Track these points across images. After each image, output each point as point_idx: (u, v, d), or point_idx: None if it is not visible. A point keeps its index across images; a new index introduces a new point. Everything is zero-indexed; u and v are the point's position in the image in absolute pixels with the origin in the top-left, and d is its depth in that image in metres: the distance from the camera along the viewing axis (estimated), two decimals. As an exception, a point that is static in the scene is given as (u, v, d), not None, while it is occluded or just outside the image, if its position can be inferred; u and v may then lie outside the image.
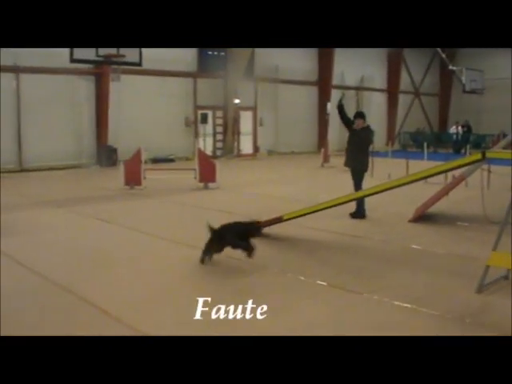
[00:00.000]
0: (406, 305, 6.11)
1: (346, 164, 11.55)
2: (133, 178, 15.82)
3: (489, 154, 7.17)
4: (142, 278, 7.30)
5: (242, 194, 15.08)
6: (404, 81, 36.85)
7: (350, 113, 11.86)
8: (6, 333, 5.09)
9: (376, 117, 32.74)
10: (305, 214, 8.97)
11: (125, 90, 23.33)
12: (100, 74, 22.86)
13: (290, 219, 9.12)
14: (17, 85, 21.14)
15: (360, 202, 11.06)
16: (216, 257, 7.83)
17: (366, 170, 11.46)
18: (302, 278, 7.15)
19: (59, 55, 17.37)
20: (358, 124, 11.36)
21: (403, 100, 37.10)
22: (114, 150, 23.21)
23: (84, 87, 23.04)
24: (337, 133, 29.08)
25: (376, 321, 5.70)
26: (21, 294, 6.57)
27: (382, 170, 16.98)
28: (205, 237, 7.83)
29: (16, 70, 20.90)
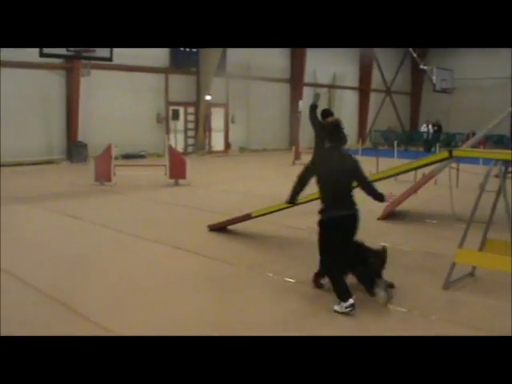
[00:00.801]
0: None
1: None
2: (103, 174, 15.68)
3: (456, 153, 7.25)
4: (108, 274, 7.24)
5: (212, 190, 15.05)
6: (376, 79, 37.08)
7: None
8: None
9: (347, 115, 32.90)
10: (274, 211, 8.98)
11: (95, 85, 23.10)
12: (70, 69, 22.58)
13: (259, 216, 9.13)
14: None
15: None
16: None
17: None
18: (271, 274, 7.16)
19: (29, 49, 17.11)
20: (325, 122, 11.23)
21: (375, 98, 37.36)
22: (84, 146, 22.97)
23: (55, 82, 22.73)
24: (308, 130, 29.06)
25: (341, 318, 5.73)
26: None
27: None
28: (174, 234, 7.80)
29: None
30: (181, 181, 15.80)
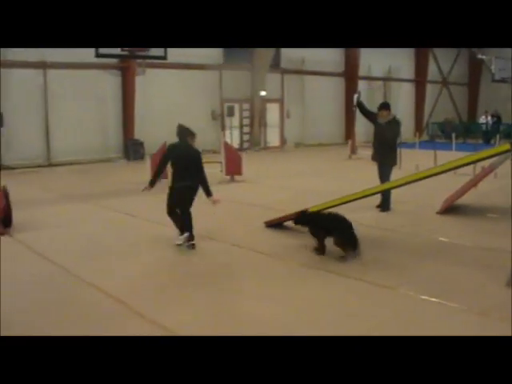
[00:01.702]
0: (432, 299, 6.03)
1: (374, 158, 11.38)
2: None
3: (517, 145, 7.02)
4: (164, 273, 7.32)
5: (268, 186, 15.05)
6: (432, 70, 36.37)
7: (377, 104, 11.63)
8: (30, 332, 5.15)
9: (404, 107, 32.43)
10: (331, 207, 8.87)
11: (150, 83, 23.45)
12: (125, 68, 22.99)
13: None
14: (44, 80, 21.36)
15: (386, 195, 10.92)
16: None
17: (393, 165, 11.22)
18: (328, 272, 7.11)
19: (85, 50, 17.49)
20: (383, 116, 11.13)
21: (431, 90, 36.64)
22: (140, 144, 23.34)
23: (110, 81, 23.18)
24: (364, 124, 28.72)
25: (403, 315, 5.65)
26: (41, 287, 6.64)
27: (409, 161, 16.78)
28: (235, 231, 7.84)
29: (43, 65, 21.12)
30: (236, 177, 15.85)
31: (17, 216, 10.17)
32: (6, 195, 9.91)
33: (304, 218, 8.25)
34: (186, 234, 8.41)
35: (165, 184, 9.46)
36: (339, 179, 16.24)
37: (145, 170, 16.12)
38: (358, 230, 7.98)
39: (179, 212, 8.62)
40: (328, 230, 7.78)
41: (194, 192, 8.66)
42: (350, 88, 30.89)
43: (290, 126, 29.34)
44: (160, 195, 13.81)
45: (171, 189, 8.73)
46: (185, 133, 8.91)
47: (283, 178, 16.81)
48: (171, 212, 8.72)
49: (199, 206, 12.19)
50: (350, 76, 31.18)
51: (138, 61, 22.08)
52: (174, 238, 8.57)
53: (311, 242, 8.06)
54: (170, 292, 6.47)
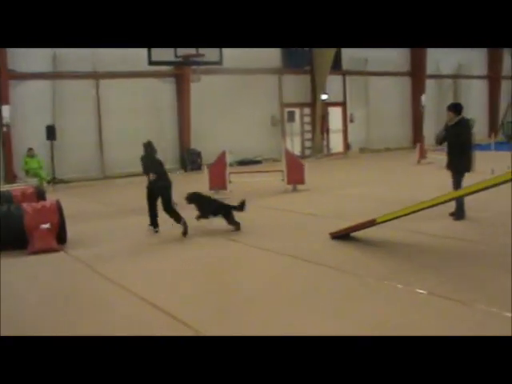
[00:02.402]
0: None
1: (449, 167, 10.81)
2: (218, 182, 15.91)
3: None
4: (225, 286, 7.23)
5: (332, 195, 14.85)
6: (506, 65, 35.31)
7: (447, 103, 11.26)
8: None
9: (476, 106, 31.59)
10: (400, 216, 8.64)
11: (206, 90, 23.58)
12: (180, 76, 23.25)
13: (384, 221, 8.82)
14: (96, 91, 21.83)
15: (460, 202, 10.50)
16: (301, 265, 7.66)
17: (465, 171, 10.65)
18: (400, 286, 6.87)
19: (137, 58, 17.77)
20: (450, 118, 10.71)
21: (506, 86, 35.56)
22: (197, 154, 23.52)
23: (164, 90, 23.50)
24: (433, 126, 28.21)
25: (485, 333, 5.36)
26: (102, 308, 6.64)
27: (484, 164, 16.23)
28: (298, 243, 7.69)
29: (95, 75, 21.58)
30: (299, 186, 15.73)
31: (71, 231, 10.31)
32: (59, 210, 10.03)
33: (193, 198, 10.92)
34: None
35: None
36: (408, 186, 15.87)
37: (203, 180, 16.18)
38: (432, 241, 7.70)
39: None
40: (213, 211, 10.72)
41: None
42: (417, 88, 30.40)
43: (354, 131, 29.02)
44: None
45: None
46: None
47: (348, 186, 16.56)
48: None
49: (259, 218, 12.17)
50: (417, 75, 30.59)
51: (193, 67, 22.23)
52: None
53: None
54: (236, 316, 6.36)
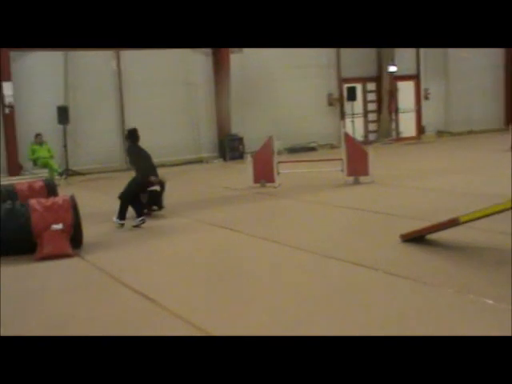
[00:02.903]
0: None
1: None
2: (264, 174, 15.92)
3: None
4: (273, 295, 7.22)
5: (402, 188, 14.72)
6: None
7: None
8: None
9: None
10: (489, 215, 8.50)
11: (249, 63, 23.63)
12: (218, 46, 23.31)
13: (469, 221, 8.70)
14: (117, 65, 22.07)
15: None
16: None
17: None
18: (490, 301, 6.75)
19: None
20: None
21: None
22: (239, 140, 23.58)
23: (199, 63, 23.62)
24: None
25: None
26: (130, 324, 6.71)
27: None
28: (362, 247, 7.62)
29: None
30: (362, 178, 15.63)
31: (88, 232, 10.43)
32: (74, 207, 10.07)
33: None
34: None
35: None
36: (498, 178, 15.59)
37: (245, 171, 16.22)
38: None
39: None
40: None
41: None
42: None
43: (430, 110, 28.72)
44: (263, 202, 13.95)
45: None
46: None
47: (422, 177, 16.38)
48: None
49: (313, 216, 12.15)
50: None
51: (234, 35, 22.29)
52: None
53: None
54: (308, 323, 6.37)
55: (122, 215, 11.90)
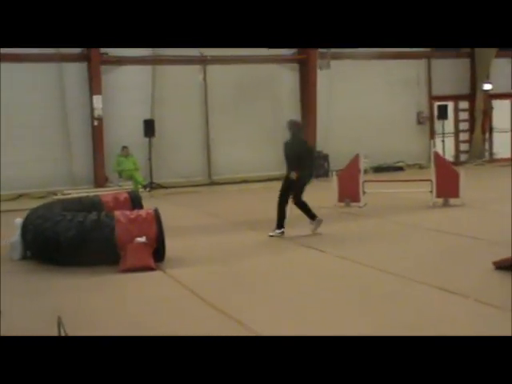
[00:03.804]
0: None
1: None
2: (349, 193, 15.82)
3: None
4: (360, 324, 7.13)
5: (495, 213, 14.36)
6: None
7: None
8: None
9: None
10: None
11: (336, 79, 23.58)
12: (305, 61, 23.31)
13: None
14: (204, 78, 22.27)
15: None
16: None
17: None
18: None
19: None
20: None
21: None
22: (324, 157, 23.53)
23: (285, 78, 23.71)
24: None
25: None
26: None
27: None
28: (453, 273, 7.46)
29: (203, 60, 22.01)
30: (452, 200, 15.36)
31: (171, 247, 10.52)
32: (158, 221, 10.20)
33: None
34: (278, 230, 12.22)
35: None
36: None
37: (331, 189, 16.14)
38: None
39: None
40: None
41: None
42: None
43: (527, 131, 28.04)
44: (349, 222, 13.84)
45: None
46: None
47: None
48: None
49: (399, 239, 11.99)
50: None
51: (321, 50, 22.26)
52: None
53: None
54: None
55: (280, 224, 12.32)
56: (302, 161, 12.29)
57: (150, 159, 20.96)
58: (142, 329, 6.99)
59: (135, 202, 12.01)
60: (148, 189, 20.26)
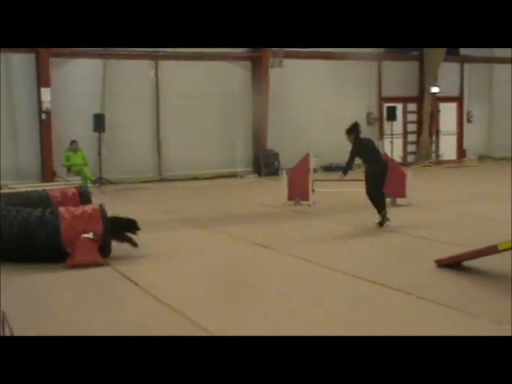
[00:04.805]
0: None
1: None
2: (299, 191, 15.91)
3: None
4: (307, 317, 7.21)
5: (440, 213, 14.61)
6: None
7: None
8: None
9: None
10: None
11: (288, 78, 23.69)
12: (257, 59, 23.34)
13: (508, 249, 8.62)
14: (155, 74, 22.22)
15: None
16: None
17: None
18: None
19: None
20: None
21: None
22: (274, 156, 23.60)
23: (237, 76, 23.67)
24: None
25: None
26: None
27: None
28: (397, 272, 7.58)
29: (155, 55, 21.94)
30: (398, 200, 15.54)
31: (119, 243, 10.51)
32: (103, 217, 10.17)
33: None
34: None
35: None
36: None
37: (280, 188, 16.23)
38: None
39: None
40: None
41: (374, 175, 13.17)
42: None
43: (472, 134, 28.51)
44: (298, 220, 13.94)
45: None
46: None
47: (463, 202, 16.24)
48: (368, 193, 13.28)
49: (350, 237, 12.13)
50: None
51: (274, 49, 22.32)
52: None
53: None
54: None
55: (382, 208, 12.97)
56: (375, 156, 13.33)
57: (99, 154, 20.82)
58: (90, 328, 6.98)
59: (84, 197, 11.93)
60: (97, 184, 20.12)
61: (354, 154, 13.34)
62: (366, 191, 13.21)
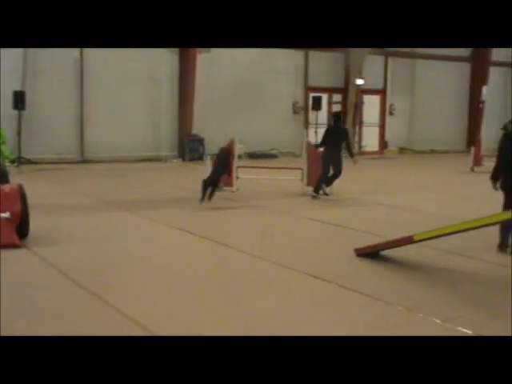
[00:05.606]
0: None
1: (499, 182, 10.01)
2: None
3: None
4: (233, 304, 7.24)
5: (362, 203, 14.84)
6: None
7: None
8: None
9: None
10: (443, 235, 8.63)
11: (216, 64, 23.60)
12: (186, 43, 23.21)
13: (423, 240, 8.82)
14: (80, 57, 21.86)
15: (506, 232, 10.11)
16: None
17: None
18: (438, 320, 6.85)
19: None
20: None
21: None
22: (200, 141, 23.55)
23: (164, 61, 23.51)
24: (494, 126, 28.14)
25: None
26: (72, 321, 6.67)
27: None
28: (318, 260, 7.66)
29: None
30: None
31: (36, 224, 10.33)
32: (22, 197, 9.91)
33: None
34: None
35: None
36: (457, 198, 15.84)
37: (204, 173, 16.18)
38: (480, 267, 7.64)
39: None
40: None
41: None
42: (478, 77, 30.16)
43: (394, 126, 28.99)
44: (219, 205, 13.95)
45: None
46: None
47: (383, 193, 16.55)
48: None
49: (266, 224, 12.19)
50: (479, 60, 30.36)
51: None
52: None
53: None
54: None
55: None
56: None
57: (19, 133, 20.36)
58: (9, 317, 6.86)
59: (2, 176, 11.66)
60: (16, 164, 19.67)
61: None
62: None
